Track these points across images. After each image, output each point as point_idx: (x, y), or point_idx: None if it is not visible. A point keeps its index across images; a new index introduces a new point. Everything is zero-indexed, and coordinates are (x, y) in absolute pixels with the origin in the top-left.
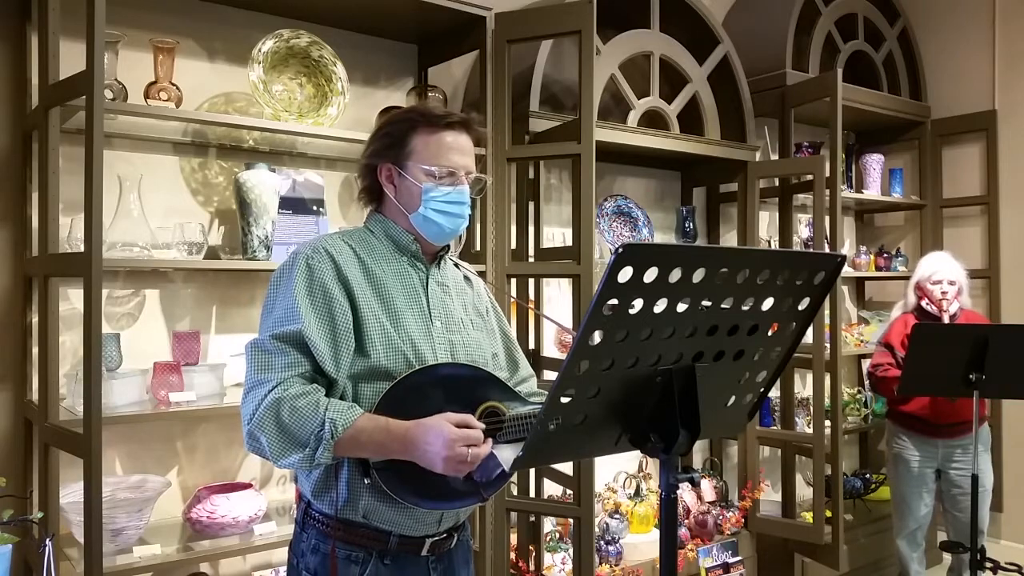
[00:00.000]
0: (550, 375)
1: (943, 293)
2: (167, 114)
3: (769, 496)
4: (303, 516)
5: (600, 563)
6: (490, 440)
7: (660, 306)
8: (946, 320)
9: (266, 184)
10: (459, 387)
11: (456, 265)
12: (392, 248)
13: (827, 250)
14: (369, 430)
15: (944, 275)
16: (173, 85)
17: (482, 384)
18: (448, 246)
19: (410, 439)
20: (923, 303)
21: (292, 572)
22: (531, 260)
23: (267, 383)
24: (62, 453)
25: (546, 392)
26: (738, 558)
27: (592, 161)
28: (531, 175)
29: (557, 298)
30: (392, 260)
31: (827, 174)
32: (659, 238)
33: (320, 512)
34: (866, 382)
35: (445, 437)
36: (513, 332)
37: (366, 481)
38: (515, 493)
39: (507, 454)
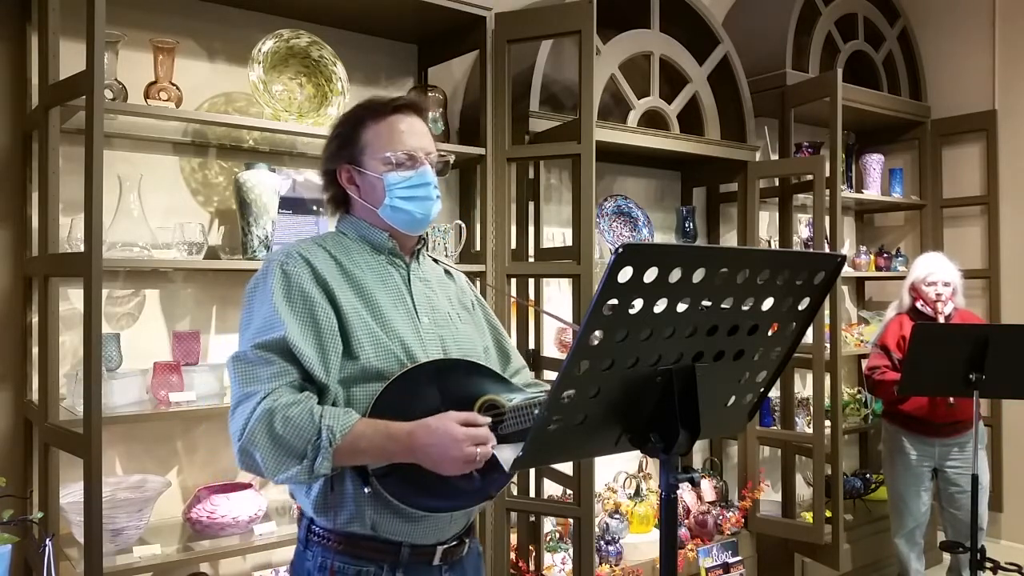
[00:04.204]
0: (550, 375)
1: (938, 295)
2: (167, 114)
3: (769, 496)
4: (306, 534)
5: (600, 563)
6: (493, 437)
7: (660, 306)
8: (941, 321)
9: (266, 184)
10: (454, 382)
11: (435, 261)
12: (368, 249)
13: (827, 250)
14: (368, 435)
15: (939, 276)
16: (173, 85)
17: (477, 377)
18: (425, 241)
19: (414, 440)
20: (918, 304)
21: None
22: (531, 260)
23: (255, 395)
24: (62, 453)
25: (542, 382)
26: (738, 558)
27: (592, 161)
28: (531, 175)
29: (557, 298)
30: (370, 260)
31: (827, 174)
32: (659, 238)
33: (324, 528)
34: (864, 383)
35: (453, 436)
36: (500, 324)
37: (366, 490)
38: (515, 493)
39: (507, 454)
